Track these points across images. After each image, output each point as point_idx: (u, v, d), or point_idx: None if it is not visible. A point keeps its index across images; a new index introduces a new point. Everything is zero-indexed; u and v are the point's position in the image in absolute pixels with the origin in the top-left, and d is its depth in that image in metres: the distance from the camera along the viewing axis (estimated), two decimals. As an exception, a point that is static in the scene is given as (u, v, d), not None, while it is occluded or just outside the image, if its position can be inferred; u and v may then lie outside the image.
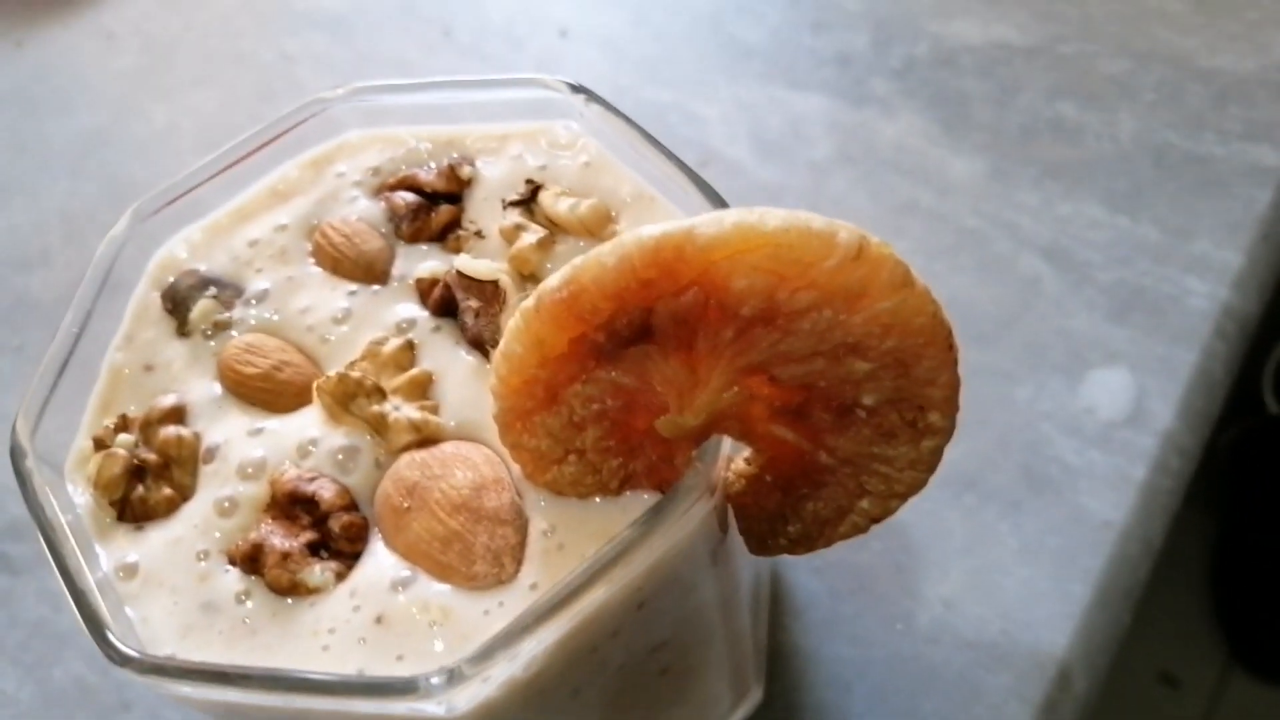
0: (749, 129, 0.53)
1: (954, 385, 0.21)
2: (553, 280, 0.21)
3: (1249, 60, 0.50)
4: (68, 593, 0.23)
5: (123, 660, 0.22)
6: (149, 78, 0.64)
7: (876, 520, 0.23)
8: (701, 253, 0.19)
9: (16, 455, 0.25)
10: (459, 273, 0.27)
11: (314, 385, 0.26)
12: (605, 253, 0.20)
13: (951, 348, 0.21)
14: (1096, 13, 0.53)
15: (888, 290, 0.20)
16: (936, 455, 0.22)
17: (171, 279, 0.29)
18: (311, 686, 0.21)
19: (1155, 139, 0.48)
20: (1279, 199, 0.45)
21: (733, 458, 0.24)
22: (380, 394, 0.26)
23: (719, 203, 0.26)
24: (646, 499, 0.24)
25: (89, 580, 0.23)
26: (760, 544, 0.24)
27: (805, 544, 0.24)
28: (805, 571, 0.40)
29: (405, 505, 0.24)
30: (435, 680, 0.21)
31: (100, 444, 0.26)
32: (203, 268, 0.29)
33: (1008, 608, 0.38)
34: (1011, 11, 0.54)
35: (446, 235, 0.29)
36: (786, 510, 0.23)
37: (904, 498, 0.23)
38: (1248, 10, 0.51)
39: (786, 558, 0.40)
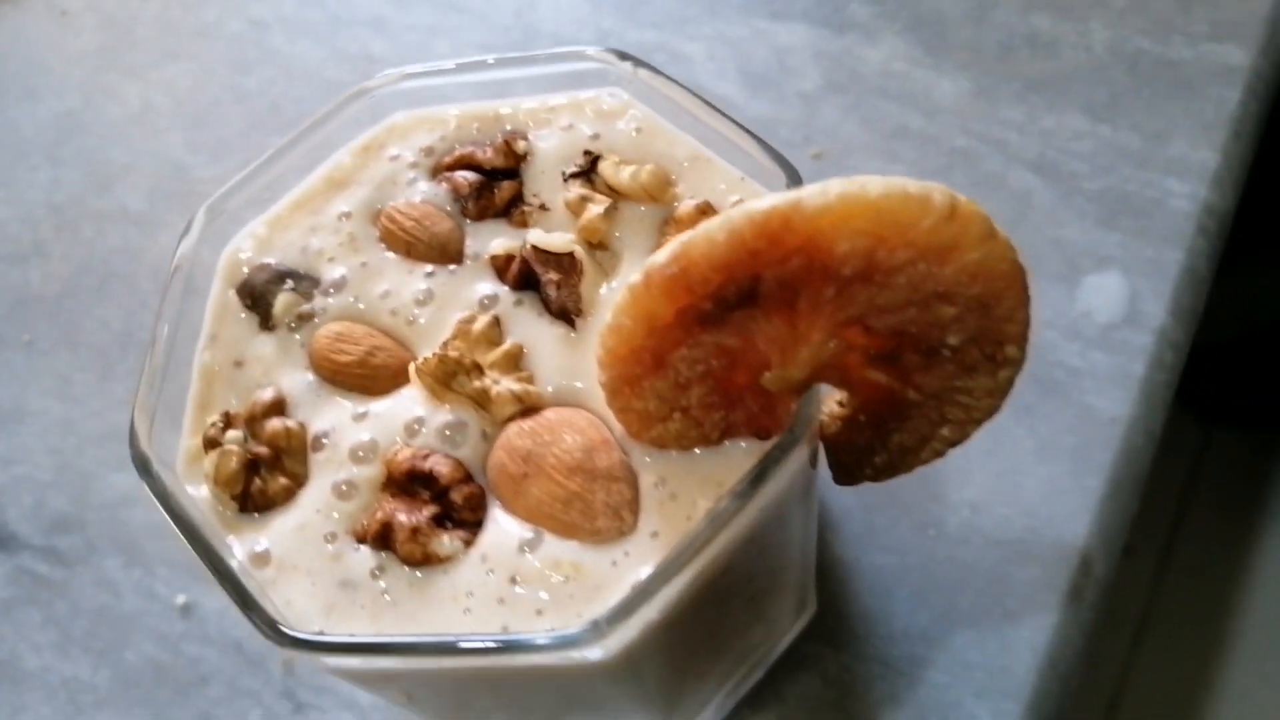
0: (735, 63, 0.54)
1: (1027, 321, 0.23)
2: (660, 256, 0.23)
3: (1209, -37, 0.52)
4: (225, 587, 0.24)
5: (291, 643, 0.23)
6: (113, 56, 0.63)
7: (954, 444, 0.26)
8: (808, 222, 0.21)
9: (142, 463, 0.26)
10: (534, 247, 0.28)
11: (412, 367, 0.28)
12: (714, 228, 0.22)
13: (1025, 287, 0.23)
14: (1061, -75, 0.54)
15: (976, 243, 0.22)
16: (1010, 383, 0.24)
17: (245, 274, 0.30)
18: (468, 651, 0.23)
19: (1127, 46, 0.50)
20: (1247, 97, 0.48)
21: (823, 400, 0.26)
22: (479, 370, 0.27)
23: (777, 158, 0.28)
24: (745, 446, 0.26)
25: (237, 571, 0.25)
26: (848, 474, 0.27)
27: (889, 471, 0.26)
28: (839, 490, 0.43)
29: (522, 472, 0.26)
30: (585, 633, 0.23)
31: (211, 443, 0.27)
32: (273, 261, 0.30)
33: (1029, 506, 0.41)
34: (979, -71, 0.55)
35: (511, 210, 0.30)
36: (875, 443, 0.26)
37: (980, 423, 0.25)
38: (1205, -86, 0.53)
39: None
